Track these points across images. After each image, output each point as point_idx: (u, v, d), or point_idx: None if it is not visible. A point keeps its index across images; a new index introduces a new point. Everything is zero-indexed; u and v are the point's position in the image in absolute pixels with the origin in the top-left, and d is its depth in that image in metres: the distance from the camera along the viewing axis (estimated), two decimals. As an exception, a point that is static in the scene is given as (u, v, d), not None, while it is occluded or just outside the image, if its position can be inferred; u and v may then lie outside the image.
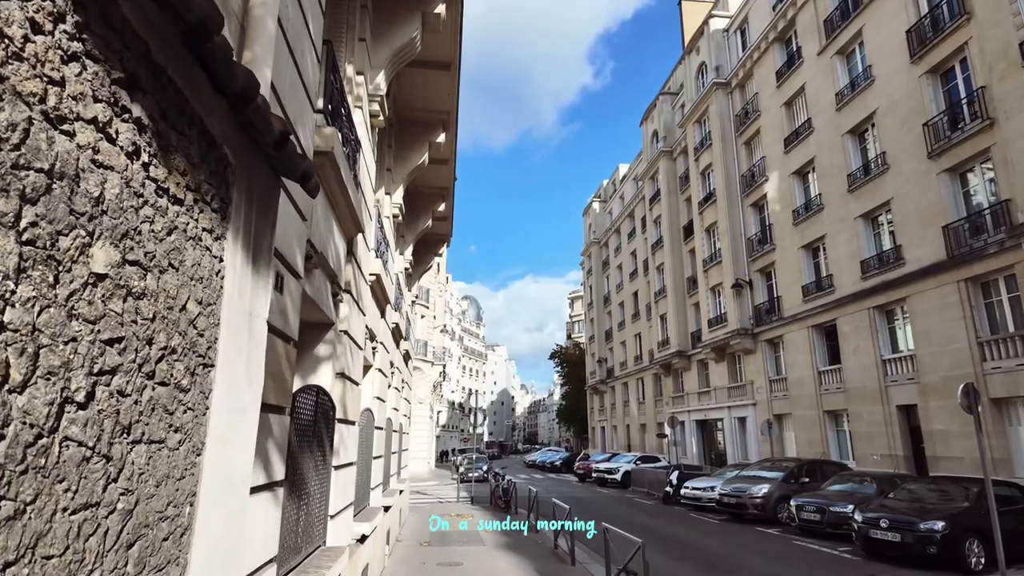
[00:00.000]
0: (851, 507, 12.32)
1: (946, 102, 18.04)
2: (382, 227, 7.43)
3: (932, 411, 17.50)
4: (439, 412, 70.07)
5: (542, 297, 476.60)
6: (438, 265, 42.67)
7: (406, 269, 11.71)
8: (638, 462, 29.08)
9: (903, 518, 9.96)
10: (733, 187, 29.48)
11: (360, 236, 5.59)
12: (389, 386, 10.44)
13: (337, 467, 4.93)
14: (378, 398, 7.95)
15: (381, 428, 8.41)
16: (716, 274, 30.51)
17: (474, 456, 20.21)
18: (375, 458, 7.76)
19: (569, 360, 70.64)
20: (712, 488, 17.62)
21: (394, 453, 10.99)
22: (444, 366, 45.24)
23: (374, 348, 7.57)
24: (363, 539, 6.08)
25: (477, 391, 22.15)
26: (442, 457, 56.31)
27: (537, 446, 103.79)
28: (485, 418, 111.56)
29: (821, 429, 22.58)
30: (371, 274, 6.55)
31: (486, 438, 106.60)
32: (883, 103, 20.11)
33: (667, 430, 36.15)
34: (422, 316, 36.52)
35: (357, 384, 5.92)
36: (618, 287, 49.06)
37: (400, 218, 9.02)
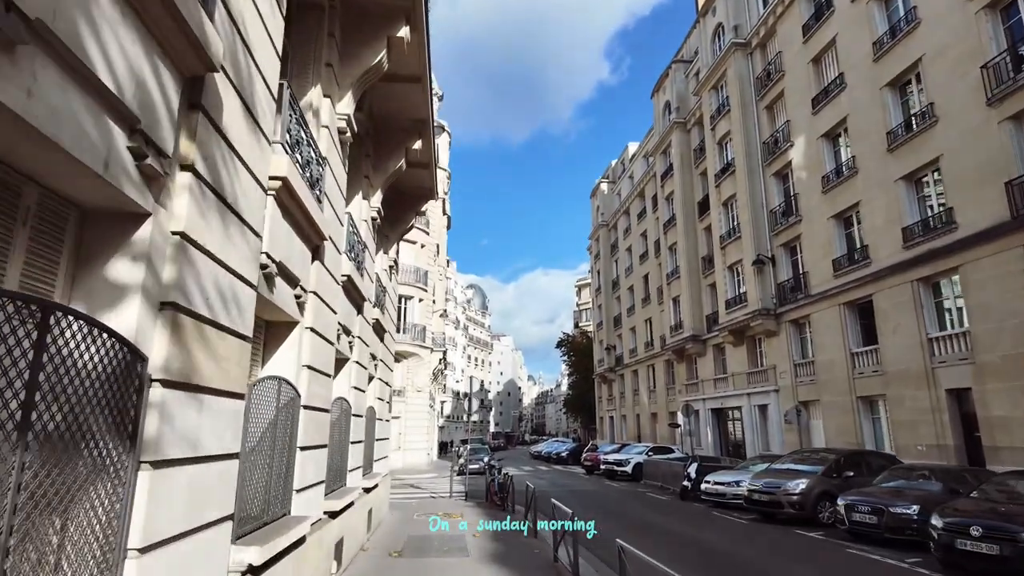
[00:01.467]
0: (915, 508, 10.18)
1: (1008, 40, 15.62)
2: (305, 125, 5.30)
3: (990, 395, 15.25)
4: (443, 402, 68.33)
5: (553, 289, 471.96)
6: (438, 247, 40.58)
7: (374, 219, 9.60)
8: (650, 453, 26.99)
9: (1003, 525, 7.80)
10: (754, 156, 27.13)
11: (227, 88, 3.47)
12: (347, 360, 8.38)
13: (162, 464, 2.84)
14: (313, 368, 5.88)
15: (323, 410, 6.34)
16: (735, 251, 28.22)
17: (468, 447, 17.97)
18: (305, 449, 5.70)
19: (576, 349, 68.71)
20: (738, 483, 15.48)
21: (358, 443, 8.94)
22: (445, 352, 43.26)
23: (299, 299, 5.47)
24: (254, 570, 4.01)
25: (473, 377, 20.00)
26: (444, 448, 54.53)
27: (544, 437, 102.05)
28: (489, 408, 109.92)
29: (854, 417, 20.37)
30: (274, 177, 4.44)
31: (492, 429, 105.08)
32: (930, 48, 17.70)
33: (680, 419, 34.03)
34: (420, 300, 34.53)
35: (242, 337, 3.84)
36: (627, 271, 46.81)
37: (349, 134, 6.88)
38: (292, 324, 5.56)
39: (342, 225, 7.16)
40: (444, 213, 43.33)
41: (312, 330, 5.86)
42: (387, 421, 13.09)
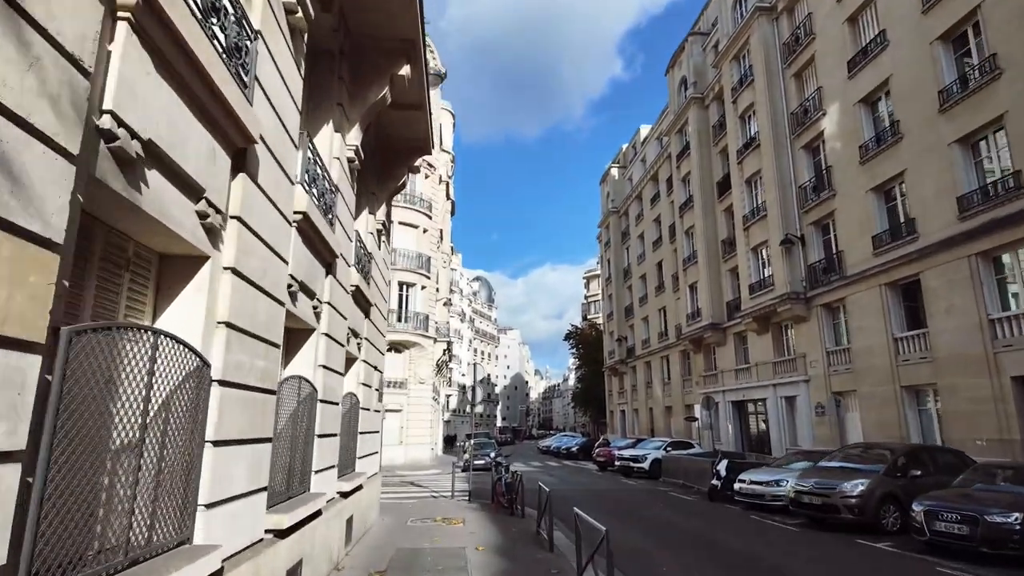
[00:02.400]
0: (1017, 516, 8.30)
1: (1091, -25, 13.60)
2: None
3: (1069, 383, 13.32)
4: (448, 396, 66.62)
5: (561, 285, 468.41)
6: (441, 233, 38.77)
7: (351, 161, 7.76)
8: (668, 448, 25.13)
9: None
10: (780, 128, 25.10)
11: None
12: (312, 331, 6.58)
13: None
14: (237, 328, 4.08)
15: (260, 390, 4.54)
16: (759, 231, 26.23)
17: (473, 442, 16.03)
18: (223, 444, 3.90)
19: (585, 341, 66.82)
20: (778, 482, 13.62)
21: (329, 437, 7.15)
22: (449, 343, 41.50)
23: (207, 220, 3.66)
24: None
25: (478, 364, 18.17)
26: (450, 443, 52.94)
27: (551, 431, 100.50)
28: (496, 402, 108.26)
29: (898, 408, 18.44)
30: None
31: (499, 423, 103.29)
32: (993, -9, 15.66)
33: (698, 412, 32.05)
34: (423, 287, 32.79)
35: (18, 233, 2.03)
36: (639, 258, 44.84)
37: (301, 15, 5.04)
38: (198, 258, 3.75)
39: (295, 145, 5.33)
40: (448, 198, 41.48)
41: (235, 272, 4.04)
42: (377, 412, 11.30)
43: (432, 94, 10.54)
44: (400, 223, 32.52)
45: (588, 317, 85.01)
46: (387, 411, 29.61)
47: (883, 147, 19.51)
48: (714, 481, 16.08)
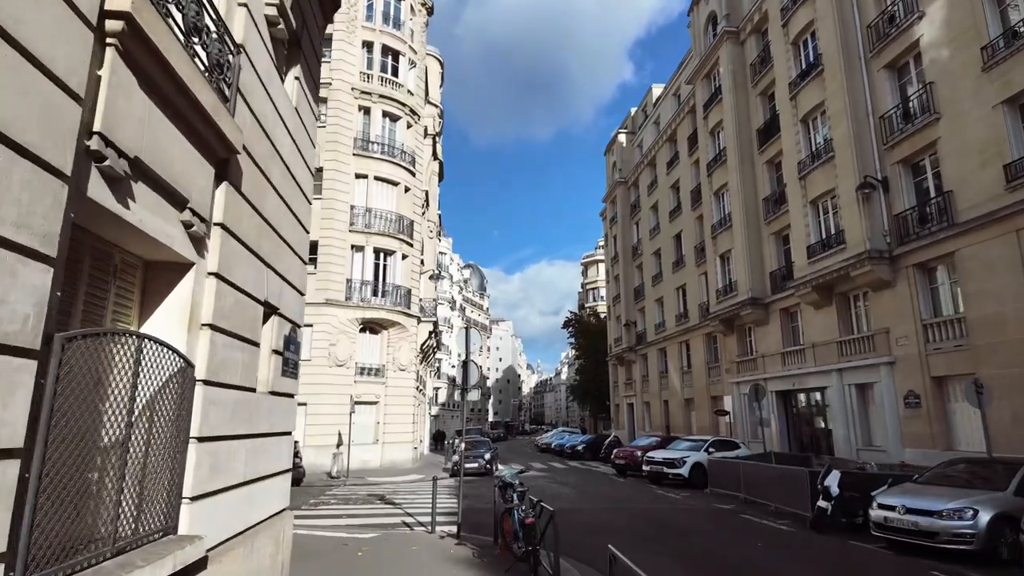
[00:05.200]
0: None
1: None
2: None
3: None
4: (437, 389, 61.22)
5: (558, 280, 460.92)
6: (427, 196, 33.28)
7: None
8: (710, 450, 19.97)
9: None
10: (852, 47, 19.92)
11: None
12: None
13: None
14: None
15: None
16: (822, 179, 21.06)
17: (463, 441, 10.83)
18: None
19: (585, 329, 61.69)
20: (959, 513, 8.47)
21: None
22: (436, 324, 36.05)
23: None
24: None
25: (470, 328, 13.25)
26: (439, 440, 47.64)
27: (544, 426, 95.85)
28: (488, 396, 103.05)
29: (1049, 397, 13.37)
30: None
31: (491, 418, 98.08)
32: None
33: (729, 405, 27.08)
34: (404, 256, 27.39)
35: None
36: (652, 231, 39.65)
37: None
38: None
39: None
40: (435, 157, 35.99)
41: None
42: (284, 396, 5.87)
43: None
44: (376, 178, 27.07)
45: (586, 306, 79.91)
46: (358, 403, 24.12)
47: (1016, 47, 14.37)
48: (822, 503, 10.87)
